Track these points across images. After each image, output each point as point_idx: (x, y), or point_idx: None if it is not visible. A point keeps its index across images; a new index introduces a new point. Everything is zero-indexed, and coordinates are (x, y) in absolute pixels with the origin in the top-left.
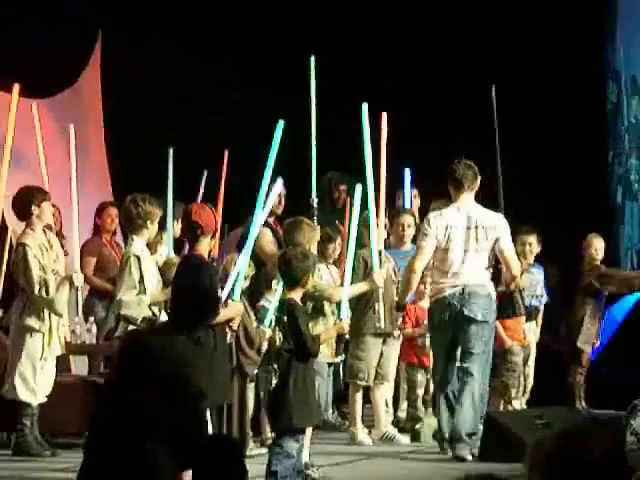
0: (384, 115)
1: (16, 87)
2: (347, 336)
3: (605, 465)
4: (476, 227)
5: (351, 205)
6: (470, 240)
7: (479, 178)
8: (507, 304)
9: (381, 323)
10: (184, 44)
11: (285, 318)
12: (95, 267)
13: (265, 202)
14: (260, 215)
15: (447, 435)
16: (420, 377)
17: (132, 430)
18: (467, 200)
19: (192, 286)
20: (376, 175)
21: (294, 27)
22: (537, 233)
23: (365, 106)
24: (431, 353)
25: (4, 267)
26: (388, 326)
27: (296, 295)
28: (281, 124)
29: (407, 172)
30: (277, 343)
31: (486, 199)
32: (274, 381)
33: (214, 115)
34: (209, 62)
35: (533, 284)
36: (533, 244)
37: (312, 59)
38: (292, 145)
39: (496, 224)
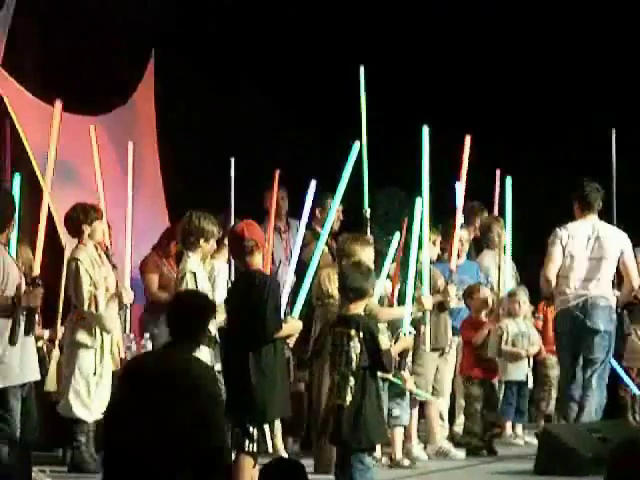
0: (467, 138)
1: (58, 103)
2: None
3: None
4: (598, 238)
5: (410, 221)
6: (594, 251)
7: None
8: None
9: (426, 346)
10: (236, 59)
11: (362, 334)
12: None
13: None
14: (324, 239)
15: None
16: (477, 391)
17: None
18: (593, 218)
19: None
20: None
21: (347, 40)
22: None
23: (426, 129)
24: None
25: (63, 284)
26: (441, 342)
27: (359, 309)
28: (357, 146)
29: (458, 186)
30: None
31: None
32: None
33: (265, 128)
34: (259, 75)
35: None
36: None
37: (362, 69)
38: (345, 157)
39: (618, 236)
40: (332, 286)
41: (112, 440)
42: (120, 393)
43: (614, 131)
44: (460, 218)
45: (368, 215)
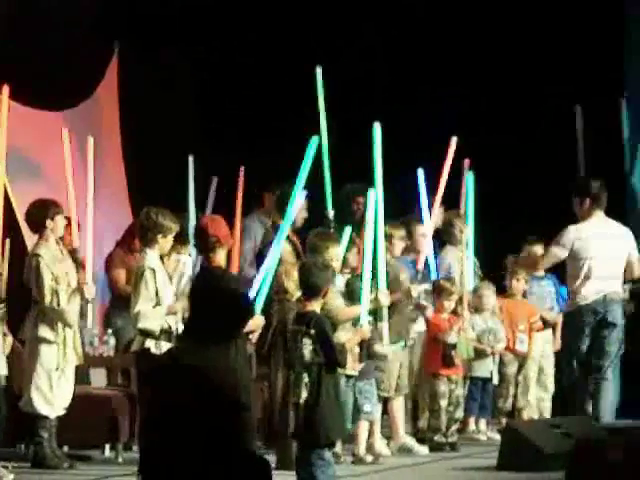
0: (454, 139)
1: (5, 89)
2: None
3: (620, 469)
4: (611, 235)
5: (364, 213)
6: (609, 249)
7: None
8: None
9: (384, 342)
10: (198, 56)
11: (313, 331)
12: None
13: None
14: (285, 230)
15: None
16: (444, 387)
17: (191, 456)
18: (601, 215)
19: (223, 297)
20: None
21: (305, 39)
22: (543, 243)
23: (378, 126)
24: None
25: (5, 274)
26: (403, 336)
27: (316, 306)
28: (315, 140)
29: (421, 172)
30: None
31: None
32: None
33: (228, 126)
34: (221, 73)
35: (543, 296)
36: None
37: (319, 71)
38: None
39: (627, 234)
40: (288, 282)
41: (149, 439)
42: (157, 390)
43: (579, 108)
44: (427, 217)
45: (331, 217)
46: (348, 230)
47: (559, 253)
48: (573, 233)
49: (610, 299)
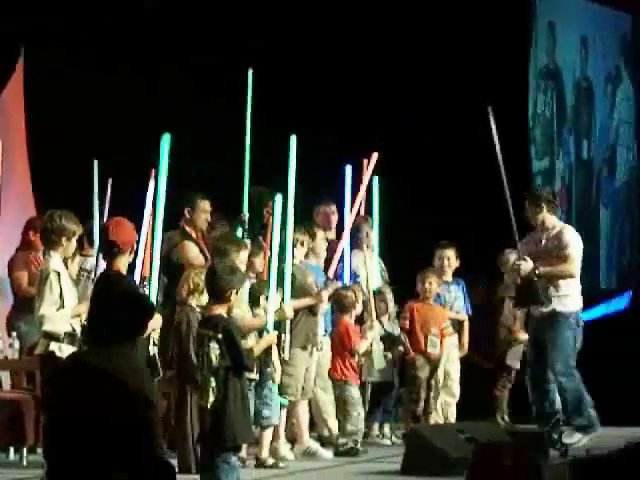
0: (374, 155)
1: None
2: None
3: (517, 474)
4: None
5: (273, 217)
6: None
7: None
8: None
9: (285, 354)
10: (109, 58)
11: (220, 335)
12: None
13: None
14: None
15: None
16: (356, 393)
17: (96, 459)
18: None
19: (123, 298)
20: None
21: (232, 41)
22: (455, 248)
23: (294, 138)
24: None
25: None
26: (311, 342)
27: (222, 310)
28: (167, 137)
29: (348, 170)
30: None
31: None
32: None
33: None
34: (137, 75)
35: (449, 302)
36: (451, 259)
37: (250, 73)
38: (223, 160)
39: None
40: (186, 286)
41: (53, 443)
42: (60, 394)
43: (491, 109)
44: (348, 217)
45: (246, 219)
46: (239, 232)
47: (580, 254)
48: (577, 236)
49: None
